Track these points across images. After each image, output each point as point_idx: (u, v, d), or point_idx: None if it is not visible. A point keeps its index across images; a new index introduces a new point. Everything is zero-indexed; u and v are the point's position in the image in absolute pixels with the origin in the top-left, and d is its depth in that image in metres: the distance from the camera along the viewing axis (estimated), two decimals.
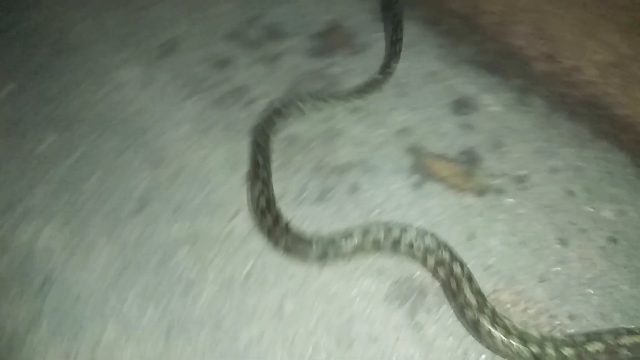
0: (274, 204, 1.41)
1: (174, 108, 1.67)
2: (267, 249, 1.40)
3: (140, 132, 1.62)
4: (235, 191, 1.49)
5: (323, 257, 1.37)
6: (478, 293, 1.29)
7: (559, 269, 1.40)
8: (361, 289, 1.36)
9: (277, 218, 1.39)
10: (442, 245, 1.37)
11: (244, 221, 1.45)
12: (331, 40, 1.81)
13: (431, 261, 1.36)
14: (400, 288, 1.36)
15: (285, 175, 1.54)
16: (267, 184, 1.44)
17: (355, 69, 1.77)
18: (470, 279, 1.32)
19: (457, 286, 1.31)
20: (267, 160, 1.50)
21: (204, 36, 1.80)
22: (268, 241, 1.39)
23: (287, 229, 1.38)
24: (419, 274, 1.37)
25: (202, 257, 1.37)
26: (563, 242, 1.44)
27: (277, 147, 1.58)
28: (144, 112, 1.66)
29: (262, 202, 1.40)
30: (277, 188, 1.50)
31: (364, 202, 1.50)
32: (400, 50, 1.72)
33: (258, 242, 1.42)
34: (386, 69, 1.70)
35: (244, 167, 1.54)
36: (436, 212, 1.49)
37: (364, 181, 1.54)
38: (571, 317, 1.32)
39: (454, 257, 1.35)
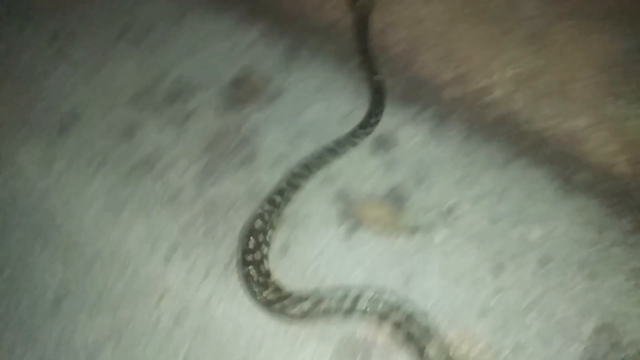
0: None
1: (82, 187, 1.55)
2: (202, 329, 1.31)
3: (48, 219, 1.50)
4: (158, 271, 1.40)
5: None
6: (442, 349, 1.28)
7: (497, 299, 1.40)
8: (306, 355, 1.31)
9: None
10: (395, 307, 1.33)
11: (172, 302, 1.36)
12: (244, 89, 1.75)
13: (387, 324, 1.34)
14: (345, 348, 1.31)
15: (213, 243, 1.47)
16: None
17: (272, 116, 1.72)
18: (430, 336, 1.29)
19: (418, 348, 1.29)
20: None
21: (106, 103, 1.69)
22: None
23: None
24: (362, 330, 1.34)
25: (130, 352, 1.27)
26: (497, 270, 1.45)
27: (199, 214, 1.50)
28: (49, 195, 1.54)
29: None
30: (205, 259, 1.43)
31: (297, 261, 1.45)
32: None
33: (192, 322, 1.33)
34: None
35: (165, 242, 1.45)
36: (371, 258, 1.46)
37: (294, 238, 1.48)
38: (515, 348, 1.33)
39: (409, 317, 1.32)
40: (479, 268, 1.44)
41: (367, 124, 1.66)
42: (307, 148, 1.65)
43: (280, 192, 1.50)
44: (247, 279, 1.36)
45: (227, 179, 1.57)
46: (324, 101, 1.76)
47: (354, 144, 1.63)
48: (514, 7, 2.00)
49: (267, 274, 1.37)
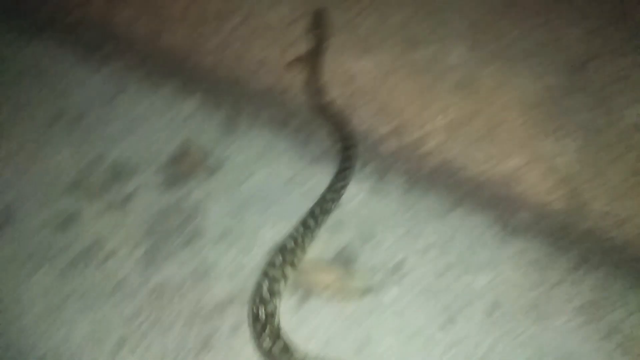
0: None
1: (21, 288, 1.49)
2: None
3: None
4: None
5: None
6: None
7: (450, 356, 1.41)
8: None
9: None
10: None
11: None
12: (184, 164, 1.75)
13: None
14: None
15: (161, 332, 1.43)
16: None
17: (215, 190, 1.71)
18: None
19: None
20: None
21: (42, 196, 1.65)
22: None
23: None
24: None
25: None
26: (448, 325, 1.46)
27: (144, 303, 1.47)
28: None
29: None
30: (153, 351, 1.39)
31: (249, 339, 1.42)
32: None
33: None
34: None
35: (111, 337, 1.40)
36: (324, 329, 1.45)
37: (245, 315, 1.46)
38: None
39: None
40: (430, 325, 1.45)
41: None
42: (252, 219, 1.65)
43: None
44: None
45: (171, 262, 1.54)
46: (265, 168, 1.77)
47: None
48: (439, 57, 2.08)
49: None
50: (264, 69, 2.04)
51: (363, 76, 2.04)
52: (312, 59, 2.02)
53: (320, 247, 1.60)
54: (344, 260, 1.58)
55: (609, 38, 2.21)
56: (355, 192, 1.72)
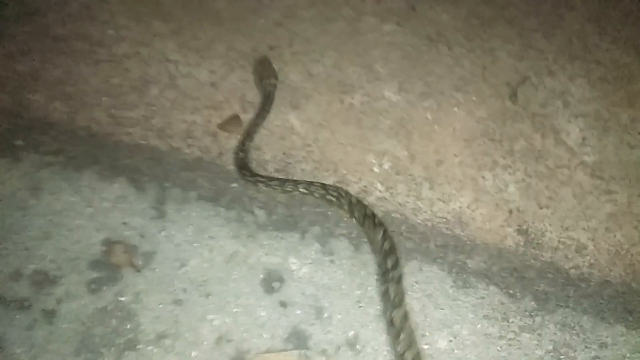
0: None
1: None
2: None
3: None
4: None
5: None
6: None
7: None
8: None
9: None
10: None
11: None
12: (110, 263, 1.61)
13: None
14: None
15: None
16: None
17: (147, 287, 1.57)
18: None
19: None
20: None
21: None
22: None
23: None
24: None
25: None
26: None
27: None
28: None
29: None
30: None
31: None
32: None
33: None
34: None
35: None
36: None
37: None
38: None
39: None
40: None
41: None
42: (191, 313, 1.52)
43: None
44: None
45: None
46: (201, 250, 1.64)
47: None
48: (370, 101, 2.03)
49: None
50: (192, 139, 1.93)
51: (298, 128, 1.96)
52: (261, 111, 1.97)
53: (271, 329, 1.48)
54: (298, 339, 1.47)
55: (541, 55, 2.22)
56: (300, 263, 1.61)
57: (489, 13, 2.37)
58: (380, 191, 1.81)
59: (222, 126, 1.98)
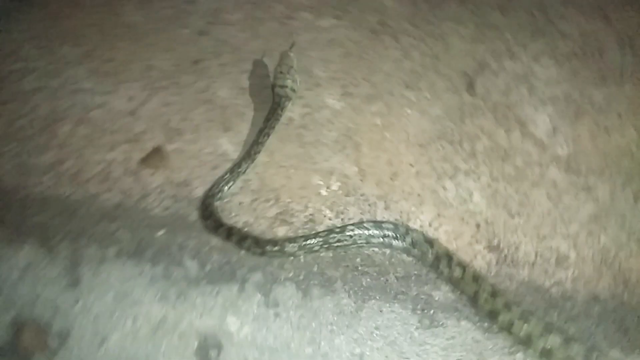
0: None
1: None
2: None
3: None
4: None
5: None
6: None
7: None
8: None
9: None
10: None
11: None
12: (20, 349, 1.37)
13: None
14: None
15: None
16: None
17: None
18: None
19: None
20: None
21: None
22: None
23: None
24: None
25: None
26: None
27: None
28: None
29: None
30: None
31: None
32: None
33: None
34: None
35: None
36: None
37: None
38: None
39: None
40: None
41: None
42: None
43: None
44: None
45: None
46: (128, 316, 1.41)
47: None
48: (314, 113, 1.79)
49: None
50: (110, 181, 1.68)
51: (232, 154, 1.72)
52: (264, 128, 1.69)
53: None
54: None
55: (499, 35, 1.98)
56: (241, 322, 1.39)
57: None
58: (329, 218, 1.58)
59: (145, 161, 1.72)
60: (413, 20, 2.03)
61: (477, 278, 1.36)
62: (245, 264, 1.48)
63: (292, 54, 1.77)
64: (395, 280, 1.45)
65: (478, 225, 1.55)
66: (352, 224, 1.48)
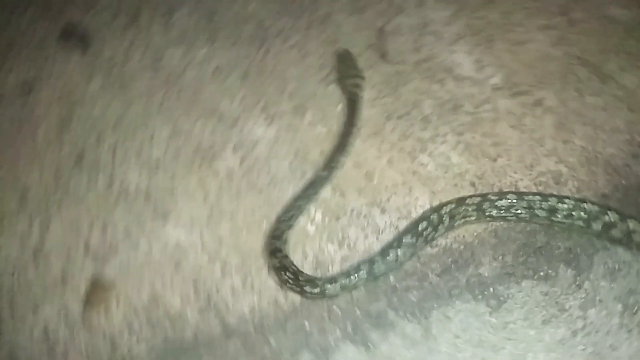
0: None
1: None
2: None
3: None
4: None
5: None
6: None
7: None
8: None
9: None
10: None
11: None
12: None
13: None
14: None
15: None
16: None
17: None
18: None
19: None
20: None
21: None
22: None
23: None
24: None
25: None
26: None
27: None
28: None
29: None
30: None
31: None
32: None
33: None
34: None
35: None
36: None
37: None
38: None
39: None
40: None
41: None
42: None
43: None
44: None
45: None
46: None
47: None
48: (249, 152, 1.55)
49: None
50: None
51: (183, 243, 1.43)
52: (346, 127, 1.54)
53: None
54: None
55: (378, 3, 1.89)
56: None
57: None
58: (334, 251, 1.40)
59: (88, 303, 1.35)
60: (289, 12, 1.85)
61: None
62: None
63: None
64: (439, 278, 1.34)
65: (473, 184, 1.49)
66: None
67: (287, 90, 1.68)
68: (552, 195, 1.36)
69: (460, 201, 1.36)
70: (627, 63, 1.67)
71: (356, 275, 1.27)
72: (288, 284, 1.29)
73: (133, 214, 1.48)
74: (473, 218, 1.38)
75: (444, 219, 1.34)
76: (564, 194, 1.40)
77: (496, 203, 1.35)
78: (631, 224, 1.26)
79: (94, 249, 1.43)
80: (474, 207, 1.36)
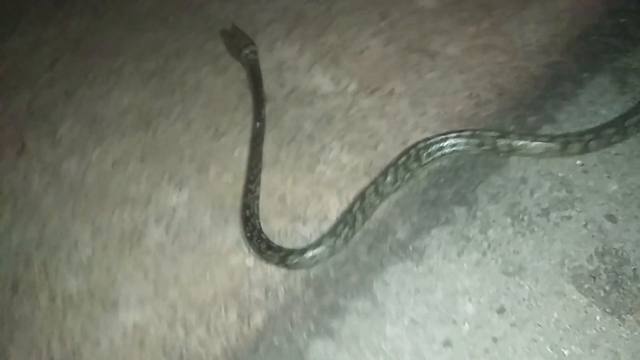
0: None
1: None
2: None
3: None
4: None
5: None
6: None
7: None
8: None
9: None
10: None
11: None
12: None
13: None
14: None
15: None
16: None
17: None
18: None
19: None
20: None
21: None
22: None
23: None
24: None
25: None
26: None
27: None
28: None
29: None
30: None
31: None
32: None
33: None
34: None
35: None
36: None
37: None
38: None
39: None
40: None
41: None
42: None
43: None
44: None
45: None
46: None
47: None
48: (189, 225, 1.69)
49: None
50: None
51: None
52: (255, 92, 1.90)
53: None
54: None
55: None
56: None
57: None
58: (276, 269, 1.55)
59: None
60: (161, 93, 2.05)
61: None
62: None
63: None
64: (368, 256, 1.54)
65: (366, 173, 1.73)
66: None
67: (185, 156, 1.85)
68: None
69: (361, 196, 1.59)
70: (445, 38, 2.05)
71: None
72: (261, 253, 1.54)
73: (84, 316, 1.54)
74: (378, 202, 1.62)
75: (356, 216, 1.56)
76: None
77: (385, 181, 1.60)
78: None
79: None
80: (374, 194, 1.59)
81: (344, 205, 1.66)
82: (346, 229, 1.55)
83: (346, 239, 1.56)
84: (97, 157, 1.89)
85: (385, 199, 1.63)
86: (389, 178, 1.61)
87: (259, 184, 1.69)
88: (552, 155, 1.61)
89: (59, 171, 1.87)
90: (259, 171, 1.72)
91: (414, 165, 1.65)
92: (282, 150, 1.83)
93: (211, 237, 1.65)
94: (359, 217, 1.57)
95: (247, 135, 1.87)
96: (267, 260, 1.55)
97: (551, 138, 1.62)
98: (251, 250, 1.58)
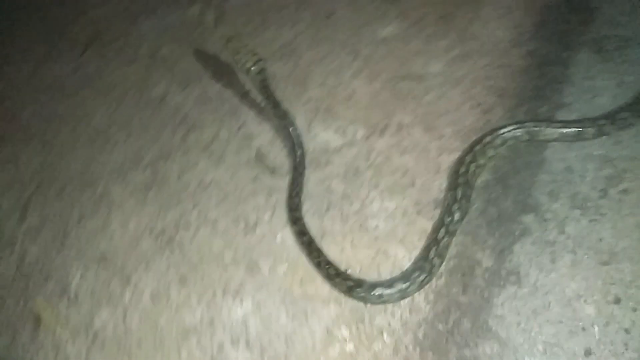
0: None
1: None
2: None
3: None
4: None
5: None
6: None
7: None
8: None
9: None
10: None
11: None
12: None
13: None
14: None
15: None
16: None
17: None
18: None
19: None
20: None
21: None
22: None
23: None
24: None
25: None
26: None
27: None
28: None
29: None
30: None
31: None
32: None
33: None
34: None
35: None
36: None
37: None
38: None
39: None
40: None
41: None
42: None
43: None
44: None
45: None
46: None
47: None
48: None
49: None
50: None
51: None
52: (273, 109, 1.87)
53: None
54: None
55: None
56: None
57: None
58: None
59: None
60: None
61: None
62: None
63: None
64: (465, 296, 1.50)
65: (419, 212, 1.69)
66: None
67: (227, 262, 1.70)
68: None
69: (434, 242, 1.56)
70: (423, 59, 2.08)
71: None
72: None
73: None
74: (451, 240, 1.59)
75: (433, 261, 1.52)
76: None
77: (453, 220, 1.59)
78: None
79: None
80: (447, 234, 1.57)
81: (413, 252, 1.60)
82: (422, 276, 1.50)
83: (421, 286, 1.51)
84: (130, 298, 1.69)
85: (454, 236, 1.60)
86: (456, 216, 1.58)
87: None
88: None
89: (94, 329, 1.64)
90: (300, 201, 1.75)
91: (470, 191, 1.64)
92: (324, 220, 1.74)
93: (298, 337, 1.53)
94: (436, 261, 1.53)
95: (282, 217, 1.76)
96: (334, 286, 1.55)
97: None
98: (320, 274, 1.59)
